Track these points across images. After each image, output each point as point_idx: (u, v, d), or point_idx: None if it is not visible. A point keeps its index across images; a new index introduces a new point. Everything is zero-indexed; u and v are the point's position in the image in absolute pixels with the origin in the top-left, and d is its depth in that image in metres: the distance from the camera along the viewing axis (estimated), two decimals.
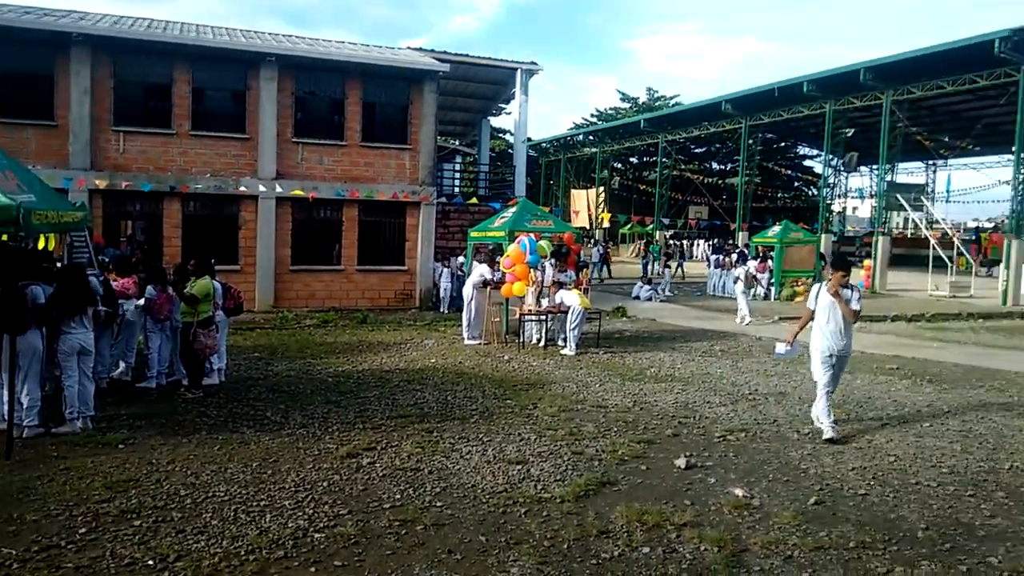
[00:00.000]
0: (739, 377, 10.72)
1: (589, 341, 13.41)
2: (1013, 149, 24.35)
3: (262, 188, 17.56)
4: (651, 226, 44.80)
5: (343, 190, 18.20)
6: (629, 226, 49.34)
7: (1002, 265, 23.94)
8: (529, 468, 6.47)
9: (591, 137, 51.51)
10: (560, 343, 13.17)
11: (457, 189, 28.12)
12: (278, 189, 17.63)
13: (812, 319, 7.83)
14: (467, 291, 13.91)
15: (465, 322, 13.80)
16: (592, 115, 61.75)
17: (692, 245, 48.42)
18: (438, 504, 5.59)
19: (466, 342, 13.57)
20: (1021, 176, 23.83)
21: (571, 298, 12.78)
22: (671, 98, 58.97)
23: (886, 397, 9.54)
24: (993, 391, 10.04)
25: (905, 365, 11.97)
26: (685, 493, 5.96)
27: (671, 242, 43.16)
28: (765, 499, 5.83)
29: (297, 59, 17.83)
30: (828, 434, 7.48)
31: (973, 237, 42.20)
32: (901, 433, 7.80)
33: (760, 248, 24.84)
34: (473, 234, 15.76)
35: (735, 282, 18.79)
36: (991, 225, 48.84)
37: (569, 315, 12.69)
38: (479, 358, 12.05)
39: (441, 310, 18.30)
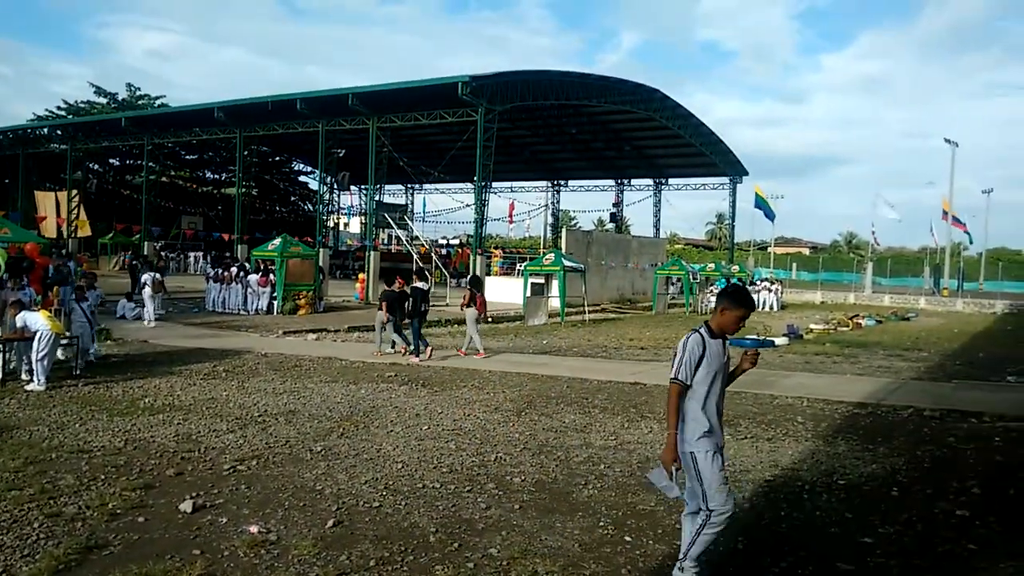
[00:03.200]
0: (247, 399, 10.15)
1: (64, 372, 11.31)
2: (473, 178, 28.66)
3: None
4: (137, 236, 40.71)
5: None
6: (111, 235, 44.00)
7: (469, 276, 27.92)
8: None
9: (59, 132, 44.55)
10: (24, 377, 10.79)
11: None
12: None
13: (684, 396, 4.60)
14: None
15: None
16: (60, 107, 53.45)
17: (188, 258, 45.44)
18: None
19: None
20: (481, 202, 28.19)
21: (37, 321, 10.57)
22: (156, 98, 54.66)
23: (388, 404, 10.05)
24: (475, 389, 11.41)
25: (401, 372, 12.87)
26: (193, 541, 5.24)
27: (162, 254, 39.82)
28: (283, 531, 5.48)
29: None
30: None
31: (447, 252, 48.51)
32: (405, 438, 8.23)
33: (260, 261, 24.44)
34: None
35: (142, 288, 19.82)
36: (456, 242, 56.83)
37: (35, 342, 10.46)
38: None
39: None
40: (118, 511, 5.75)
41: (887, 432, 9.10)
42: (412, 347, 14.54)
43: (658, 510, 6.13)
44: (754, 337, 19.70)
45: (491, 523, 5.77)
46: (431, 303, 15.30)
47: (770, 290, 36.31)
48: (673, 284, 36.89)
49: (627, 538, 5.53)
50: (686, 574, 4.60)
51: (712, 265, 37.04)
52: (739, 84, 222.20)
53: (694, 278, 33.69)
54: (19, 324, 10.70)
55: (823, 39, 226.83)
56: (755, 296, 35.50)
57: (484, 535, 5.51)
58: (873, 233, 52.26)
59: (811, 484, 6.92)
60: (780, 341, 19.28)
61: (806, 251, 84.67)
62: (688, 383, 4.58)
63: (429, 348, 14.56)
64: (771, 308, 35.00)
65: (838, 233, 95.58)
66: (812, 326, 24.00)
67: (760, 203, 48.10)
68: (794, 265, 63.00)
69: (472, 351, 15.00)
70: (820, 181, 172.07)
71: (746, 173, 46.61)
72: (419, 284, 15.30)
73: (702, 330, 4.70)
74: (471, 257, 28.29)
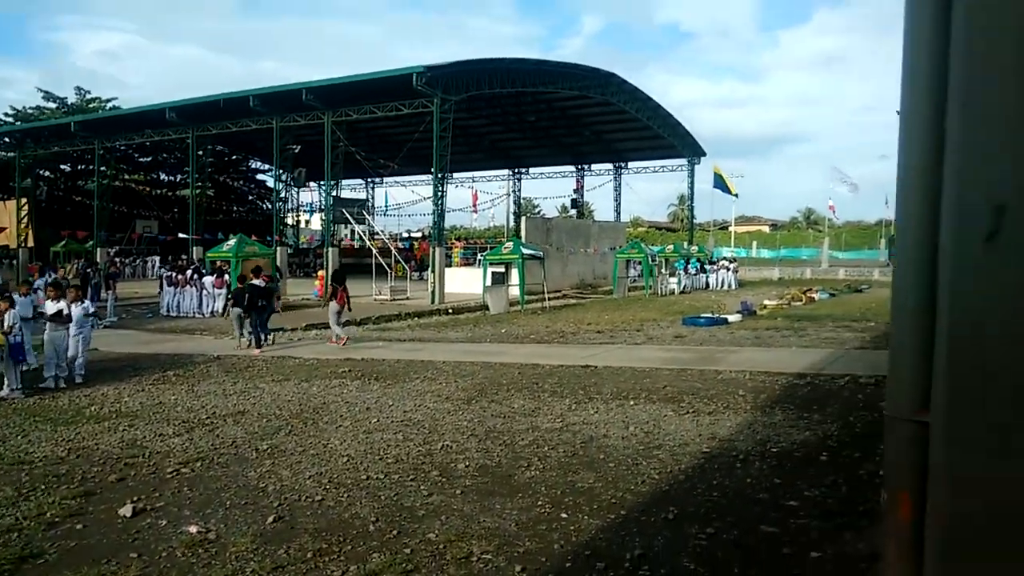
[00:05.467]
0: (196, 402, 10.11)
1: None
2: (432, 170, 28.58)
3: None
4: (90, 243, 39.95)
5: None
6: (63, 243, 43.10)
7: (429, 270, 27.92)
8: None
9: (6, 139, 43.45)
10: None
11: None
12: None
13: None
14: None
15: None
16: (7, 114, 52.08)
17: (146, 263, 44.70)
18: None
19: None
20: (439, 193, 28.16)
21: None
22: (107, 101, 53.50)
23: (340, 400, 10.09)
24: (427, 380, 11.48)
25: (356, 367, 12.89)
26: (132, 545, 5.27)
27: (116, 260, 39.11)
28: (222, 529, 5.52)
29: None
30: None
31: (407, 246, 48.33)
32: (353, 432, 8.29)
33: (215, 263, 24.18)
34: None
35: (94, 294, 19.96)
36: (419, 235, 56.59)
37: None
38: None
39: None
40: (56, 519, 5.75)
41: (823, 400, 9.40)
42: (250, 340, 15.71)
43: (596, 486, 6.29)
44: (708, 315, 20.04)
45: (432, 509, 5.88)
46: (274, 299, 17.11)
47: (728, 269, 36.86)
48: (634, 268, 37.24)
49: (563, 515, 5.68)
50: None
51: (671, 247, 37.40)
52: (700, 64, 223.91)
53: (653, 260, 34.06)
54: None
55: (781, 16, 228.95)
56: (714, 275, 36.08)
57: (424, 521, 5.62)
58: (831, 208, 53.21)
59: (745, 453, 7.14)
60: (733, 318, 19.63)
61: (766, 229, 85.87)
62: None
63: (264, 345, 15.66)
64: (729, 286, 35.56)
65: (797, 210, 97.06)
66: (766, 302, 24.43)
67: (719, 183, 48.68)
68: (754, 243, 63.90)
69: (338, 339, 16.09)
70: (780, 159, 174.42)
71: (704, 154, 47.03)
72: (256, 281, 16.07)
73: None
74: (431, 249, 28.24)
